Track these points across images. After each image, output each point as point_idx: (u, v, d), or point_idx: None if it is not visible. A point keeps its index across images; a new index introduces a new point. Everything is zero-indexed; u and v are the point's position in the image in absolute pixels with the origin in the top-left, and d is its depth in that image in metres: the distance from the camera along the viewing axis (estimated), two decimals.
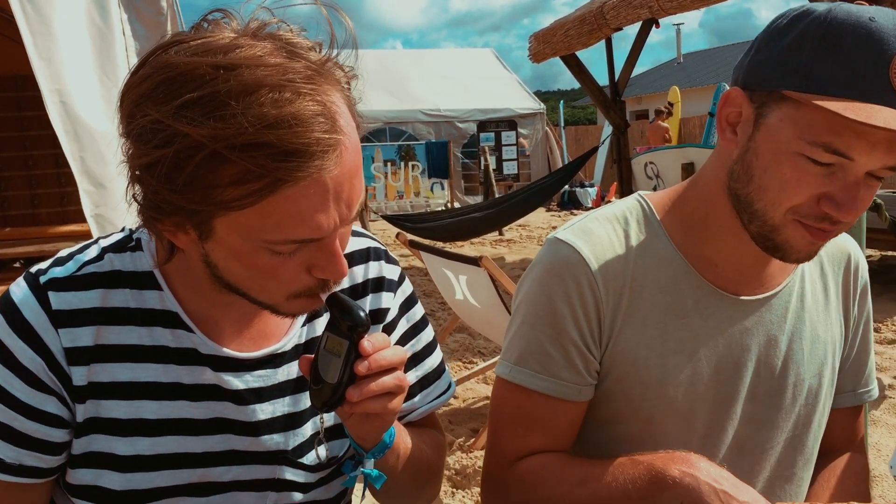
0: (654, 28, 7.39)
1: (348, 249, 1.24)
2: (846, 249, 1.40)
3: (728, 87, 1.24)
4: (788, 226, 1.14)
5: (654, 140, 14.91)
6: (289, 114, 0.86)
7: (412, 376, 1.29)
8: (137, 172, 0.93)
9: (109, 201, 3.30)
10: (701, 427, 1.29)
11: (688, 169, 9.14)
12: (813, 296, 1.35)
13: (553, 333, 1.26)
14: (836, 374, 1.39)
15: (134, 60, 3.37)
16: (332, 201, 0.93)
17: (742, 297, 1.28)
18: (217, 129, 0.84)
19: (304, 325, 1.19)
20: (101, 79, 3.33)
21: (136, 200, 0.95)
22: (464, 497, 3.51)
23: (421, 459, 1.24)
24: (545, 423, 1.28)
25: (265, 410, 1.14)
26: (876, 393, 1.46)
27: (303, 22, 0.97)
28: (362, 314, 0.99)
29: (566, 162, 17.33)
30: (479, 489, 3.56)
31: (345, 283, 1.24)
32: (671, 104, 16.60)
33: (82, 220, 3.32)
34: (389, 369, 1.00)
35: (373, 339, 0.99)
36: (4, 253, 5.18)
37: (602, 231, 1.29)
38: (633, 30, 7.70)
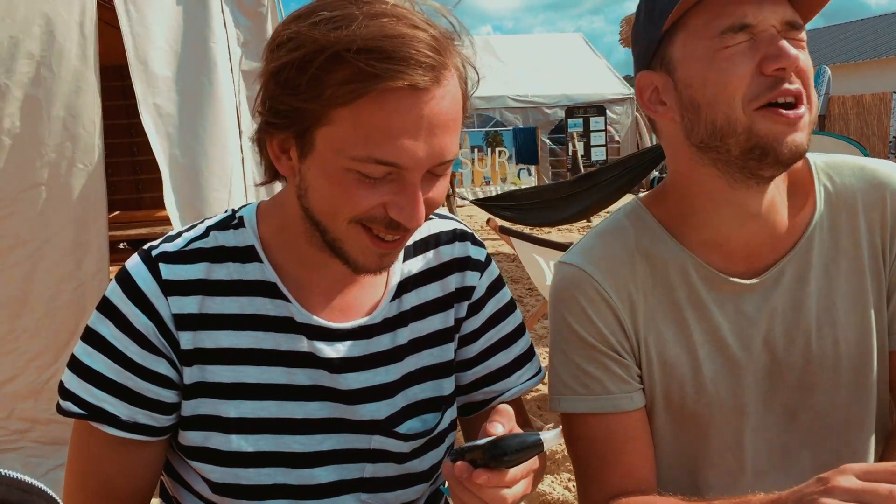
0: None
1: (436, 230, 1.32)
2: (879, 183, 1.31)
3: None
4: (757, 120, 1.15)
5: None
6: (405, 33, 1.00)
7: (505, 357, 1.34)
8: (266, 83, 1.07)
9: (198, 193, 3.41)
10: (747, 407, 1.28)
11: None
12: (839, 243, 1.29)
13: (585, 353, 1.29)
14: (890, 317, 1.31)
15: (237, 51, 3.46)
16: (424, 133, 1.02)
17: (753, 280, 1.27)
18: (341, 36, 0.99)
19: (392, 300, 1.25)
20: (196, 74, 3.43)
21: (259, 112, 1.10)
22: (552, 482, 3.52)
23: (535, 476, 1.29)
24: (611, 447, 1.28)
25: (357, 380, 1.20)
26: None
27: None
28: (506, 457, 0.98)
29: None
30: (568, 475, 3.57)
31: (432, 262, 1.30)
32: None
33: None
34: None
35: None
36: (112, 235, 5.42)
37: (601, 244, 1.33)
38: None
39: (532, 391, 4.66)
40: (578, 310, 1.29)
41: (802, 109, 1.16)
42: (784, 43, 1.14)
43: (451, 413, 1.29)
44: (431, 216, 1.34)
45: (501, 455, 0.97)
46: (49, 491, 0.72)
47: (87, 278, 3.31)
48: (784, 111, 1.15)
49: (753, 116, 1.15)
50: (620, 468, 1.27)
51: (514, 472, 0.98)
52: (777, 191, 1.27)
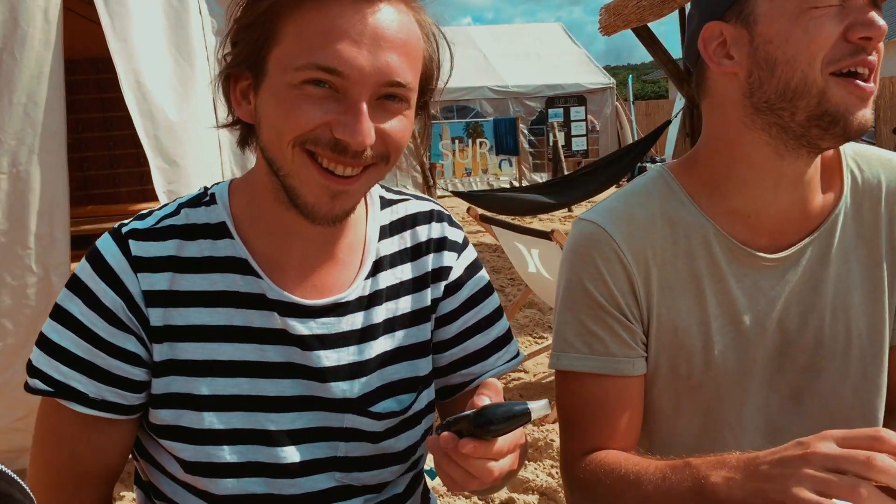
0: None
1: (413, 210, 1.31)
2: None
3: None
4: (832, 86, 1.14)
5: None
6: None
7: (483, 339, 1.33)
8: (229, 27, 1.10)
9: (182, 178, 3.36)
10: (752, 385, 1.27)
11: None
12: (860, 230, 1.29)
13: (592, 312, 1.27)
14: None
15: (211, 39, 3.43)
16: (367, 41, 1.02)
17: (777, 255, 1.26)
18: None
19: (367, 277, 1.24)
20: (176, 58, 3.39)
21: (225, 62, 1.12)
22: (535, 469, 3.52)
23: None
24: (604, 409, 1.27)
25: (330, 358, 1.19)
26: None
27: None
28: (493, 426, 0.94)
29: (636, 137, 17.04)
30: (550, 461, 3.57)
31: (408, 242, 1.29)
32: None
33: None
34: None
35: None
36: (87, 229, 5.36)
37: (624, 206, 1.31)
38: None
39: (515, 379, 4.69)
40: (592, 267, 1.27)
41: (874, 85, 1.16)
42: (874, 15, 1.13)
43: (427, 394, 1.28)
44: (408, 196, 1.34)
45: (488, 424, 0.93)
46: (15, 476, 0.71)
47: (47, 274, 3.19)
48: (861, 83, 1.14)
49: (829, 81, 1.14)
50: (607, 429, 1.26)
51: (500, 442, 0.95)
52: (815, 170, 1.26)
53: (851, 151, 1.34)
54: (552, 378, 4.75)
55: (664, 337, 1.27)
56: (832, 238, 1.28)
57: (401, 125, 1.09)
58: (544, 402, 0.97)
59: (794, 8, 1.14)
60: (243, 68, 1.10)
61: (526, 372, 4.86)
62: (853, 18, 1.13)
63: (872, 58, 1.14)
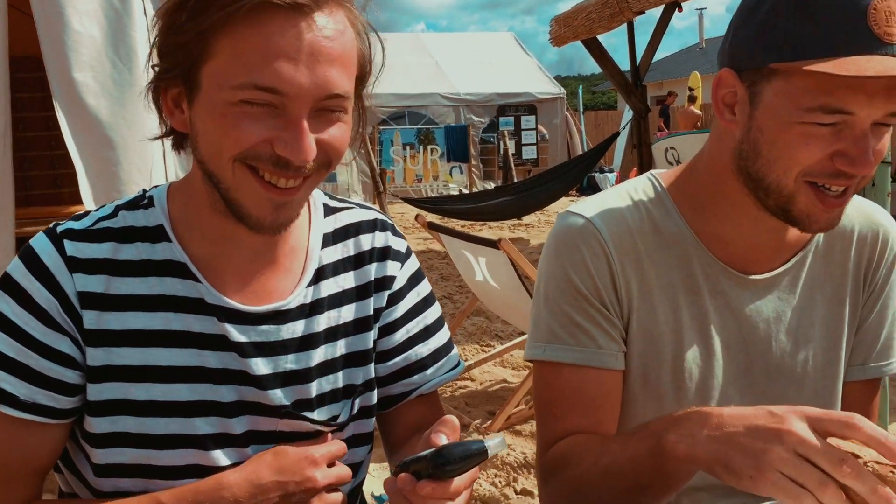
0: (676, 12, 7.34)
1: (356, 219, 1.31)
2: (876, 221, 1.38)
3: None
4: (801, 193, 1.15)
5: (685, 125, 14.76)
6: None
7: (424, 349, 1.34)
8: (158, 31, 1.07)
9: (115, 186, 3.27)
10: (714, 405, 1.28)
11: None
12: (828, 268, 1.34)
13: (577, 304, 1.27)
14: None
15: None
16: (305, 57, 1.01)
17: (751, 277, 1.29)
18: None
19: (309, 285, 1.23)
20: (114, 61, 3.30)
21: (153, 69, 1.10)
22: (479, 478, 3.52)
23: None
24: (583, 399, 1.27)
25: (268, 365, 1.18)
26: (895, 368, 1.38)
27: None
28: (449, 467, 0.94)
29: (585, 147, 17.24)
30: (495, 470, 3.58)
31: (351, 250, 1.29)
32: (691, 89, 16.44)
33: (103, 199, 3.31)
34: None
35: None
36: (27, 231, 5.23)
37: (613, 204, 1.31)
38: (655, 13, 7.64)
39: (461, 388, 4.69)
40: (579, 260, 1.27)
41: (847, 195, 1.16)
42: (868, 150, 1.10)
43: (362, 401, 1.28)
44: (351, 205, 1.34)
45: (445, 464, 0.93)
46: None
47: None
48: (832, 198, 1.15)
49: (800, 186, 1.14)
50: (583, 420, 1.26)
51: (457, 482, 0.96)
52: None
53: None
54: (499, 387, 4.79)
55: (639, 340, 1.28)
56: (801, 271, 1.32)
57: (340, 132, 1.09)
58: (500, 438, 0.97)
59: (787, 115, 1.11)
60: (174, 79, 1.08)
61: (472, 380, 4.87)
62: (843, 147, 1.11)
63: (853, 179, 1.14)
